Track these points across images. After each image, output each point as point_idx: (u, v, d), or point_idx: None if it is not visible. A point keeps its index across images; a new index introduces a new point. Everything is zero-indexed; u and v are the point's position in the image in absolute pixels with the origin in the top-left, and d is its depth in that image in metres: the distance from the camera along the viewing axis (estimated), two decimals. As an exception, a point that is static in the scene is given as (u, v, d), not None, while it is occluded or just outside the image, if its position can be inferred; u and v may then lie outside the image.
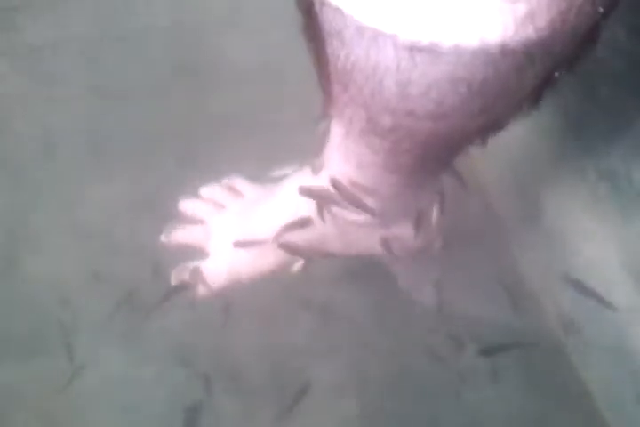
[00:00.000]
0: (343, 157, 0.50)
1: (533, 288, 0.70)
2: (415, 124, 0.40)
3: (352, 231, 0.59)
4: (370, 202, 0.54)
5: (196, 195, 0.68)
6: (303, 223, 0.59)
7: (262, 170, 0.67)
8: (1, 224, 0.72)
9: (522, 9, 0.33)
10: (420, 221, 0.59)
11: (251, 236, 0.61)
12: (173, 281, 0.64)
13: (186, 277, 0.63)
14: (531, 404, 0.65)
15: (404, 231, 0.60)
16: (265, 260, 0.62)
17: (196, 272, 0.62)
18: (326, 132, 0.50)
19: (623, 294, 0.60)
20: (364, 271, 0.65)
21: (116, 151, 0.76)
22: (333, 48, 0.39)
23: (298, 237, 0.59)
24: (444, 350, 0.68)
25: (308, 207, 0.57)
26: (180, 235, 0.66)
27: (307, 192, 0.56)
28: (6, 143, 0.77)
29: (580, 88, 0.56)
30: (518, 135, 0.59)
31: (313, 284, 0.67)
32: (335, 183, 0.53)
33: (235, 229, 0.63)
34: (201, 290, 0.63)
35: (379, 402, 0.65)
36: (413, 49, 0.35)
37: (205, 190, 0.68)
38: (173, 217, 0.68)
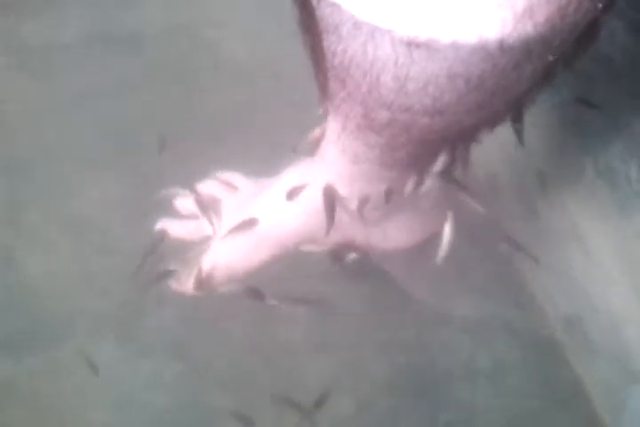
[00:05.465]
0: (339, 152, 0.50)
1: (532, 288, 0.70)
2: (412, 119, 0.40)
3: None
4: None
5: (192, 191, 0.68)
6: (250, 224, 0.60)
7: (259, 167, 0.67)
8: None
9: (520, 4, 0.33)
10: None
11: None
12: (170, 278, 0.64)
13: (181, 272, 0.63)
14: (528, 403, 0.65)
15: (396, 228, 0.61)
16: (260, 253, 0.62)
17: (192, 267, 0.62)
18: (323, 129, 0.50)
19: (621, 292, 0.60)
20: (361, 267, 0.65)
21: (113, 149, 0.76)
22: (330, 43, 0.39)
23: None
24: (442, 347, 0.68)
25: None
26: (175, 230, 0.66)
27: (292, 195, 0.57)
28: (3, 142, 0.77)
29: (577, 85, 0.56)
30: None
31: (310, 279, 0.67)
32: (327, 191, 0.54)
33: (231, 223, 0.63)
34: (196, 285, 0.63)
35: (374, 399, 0.65)
36: (411, 44, 0.35)
37: (201, 186, 0.68)
38: (169, 213, 0.67)
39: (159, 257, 0.65)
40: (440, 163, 0.51)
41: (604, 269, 0.61)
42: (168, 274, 0.63)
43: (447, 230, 0.59)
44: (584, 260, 0.63)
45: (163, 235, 0.66)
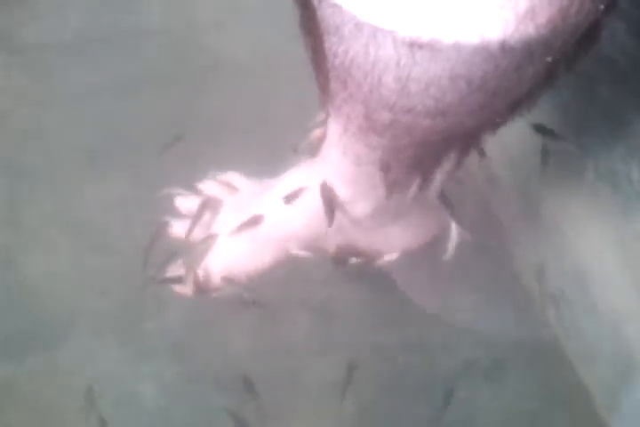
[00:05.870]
0: (341, 154, 0.50)
1: (532, 288, 0.70)
2: (414, 120, 0.40)
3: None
4: (361, 206, 0.55)
5: (192, 191, 0.68)
6: (255, 221, 0.59)
7: (259, 167, 0.67)
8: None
9: (522, 6, 0.33)
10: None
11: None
12: (169, 278, 0.64)
13: (182, 273, 0.63)
14: (528, 403, 0.65)
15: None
16: (262, 256, 0.62)
17: (193, 269, 0.62)
18: (324, 130, 0.50)
19: (621, 293, 0.60)
20: (362, 270, 0.65)
21: (112, 149, 0.76)
22: (331, 44, 0.39)
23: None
24: (442, 348, 0.68)
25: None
26: (176, 230, 0.66)
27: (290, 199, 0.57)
28: (3, 141, 0.77)
29: (579, 86, 0.56)
30: (517, 134, 0.59)
31: (311, 282, 0.67)
32: (324, 188, 0.53)
33: (231, 224, 0.63)
34: (197, 287, 0.63)
35: (376, 401, 0.65)
36: (413, 45, 0.35)
37: (202, 186, 0.68)
38: (170, 214, 0.67)
39: (161, 258, 0.65)
40: (445, 165, 0.51)
41: (604, 270, 0.61)
42: (169, 275, 0.63)
43: (454, 229, 0.59)
44: (585, 260, 0.63)
45: (164, 227, 0.66)
